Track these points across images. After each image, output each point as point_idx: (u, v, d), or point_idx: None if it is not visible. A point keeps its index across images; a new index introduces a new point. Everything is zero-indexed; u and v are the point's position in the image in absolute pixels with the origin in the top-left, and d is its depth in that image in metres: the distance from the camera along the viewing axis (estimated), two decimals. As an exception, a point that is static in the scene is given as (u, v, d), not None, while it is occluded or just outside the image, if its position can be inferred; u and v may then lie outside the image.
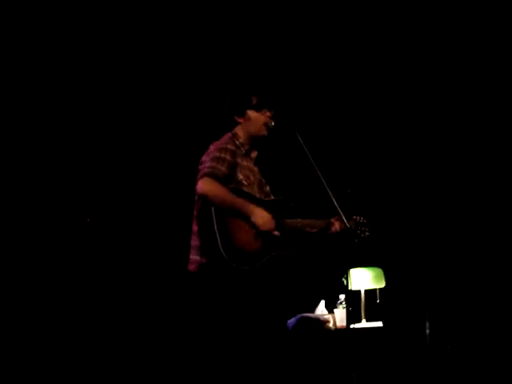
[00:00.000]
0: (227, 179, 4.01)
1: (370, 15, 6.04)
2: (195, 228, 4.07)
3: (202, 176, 3.94)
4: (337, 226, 4.31)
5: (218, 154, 4.02)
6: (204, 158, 4.09)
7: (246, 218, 3.97)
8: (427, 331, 5.55)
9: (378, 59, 6.17)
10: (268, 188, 4.34)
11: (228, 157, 4.03)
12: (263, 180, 4.33)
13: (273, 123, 4.22)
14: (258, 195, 4.16)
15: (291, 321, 5.28)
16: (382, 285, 5.61)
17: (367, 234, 4.40)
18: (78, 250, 5.62)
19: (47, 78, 5.62)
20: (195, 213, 4.07)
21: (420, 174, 6.13)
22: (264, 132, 4.22)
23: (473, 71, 6.02)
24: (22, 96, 5.56)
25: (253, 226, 3.98)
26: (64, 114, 5.69)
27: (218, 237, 3.84)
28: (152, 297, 5.67)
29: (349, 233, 4.07)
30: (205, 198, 3.90)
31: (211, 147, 4.12)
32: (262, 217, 3.99)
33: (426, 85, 6.13)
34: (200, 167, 4.04)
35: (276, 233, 4.08)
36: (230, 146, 4.09)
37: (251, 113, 4.21)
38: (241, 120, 4.22)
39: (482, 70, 6.00)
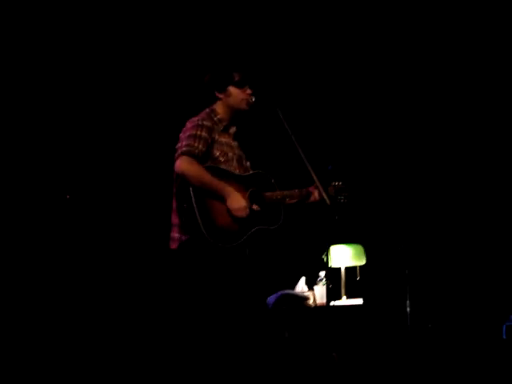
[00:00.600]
0: (204, 156, 3.98)
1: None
2: (174, 205, 4.05)
3: (179, 155, 3.93)
4: (316, 194, 4.30)
5: (194, 132, 4.00)
6: (181, 135, 4.07)
7: (222, 199, 3.95)
8: (408, 309, 5.56)
9: (359, 38, 6.15)
10: (248, 163, 4.31)
11: (204, 133, 4.00)
12: (243, 155, 4.29)
13: (253, 99, 4.19)
14: (236, 171, 4.13)
15: (271, 297, 5.28)
16: (363, 262, 5.61)
17: (346, 199, 4.40)
18: (58, 227, 5.58)
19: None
20: (174, 190, 4.05)
21: (401, 151, 6.13)
22: (244, 106, 4.19)
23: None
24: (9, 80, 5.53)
25: (227, 210, 3.96)
26: (46, 94, 5.65)
27: (197, 215, 3.83)
28: (134, 274, 5.65)
29: (328, 204, 4.05)
30: (183, 177, 3.89)
31: (188, 124, 4.08)
32: (236, 202, 3.96)
33: (408, 62, 6.12)
34: (177, 145, 4.02)
35: (255, 207, 4.07)
36: (206, 123, 4.06)
37: (232, 89, 4.18)
38: (221, 96, 4.19)
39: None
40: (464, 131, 6.04)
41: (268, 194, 4.15)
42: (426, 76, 6.11)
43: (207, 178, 3.92)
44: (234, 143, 4.25)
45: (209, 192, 3.91)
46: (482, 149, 6.01)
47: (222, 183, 3.97)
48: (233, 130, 4.25)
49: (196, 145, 3.95)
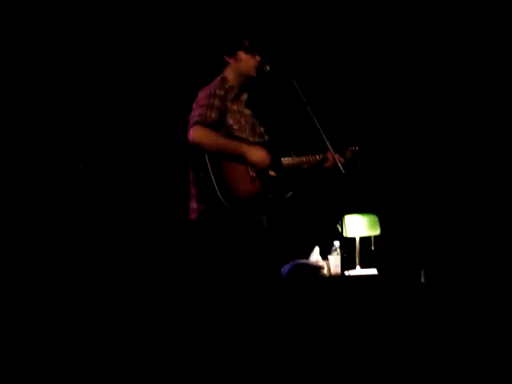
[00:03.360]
0: (217, 125, 4.00)
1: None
2: (192, 176, 4.08)
3: (193, 124, 3.95)
4: (332, 159, 4.27)
5: (206, 101, 4.01)
6: (194, 105, 4.08)
7: (242, 159, 3.98)
8: (422, 279, 5.56)
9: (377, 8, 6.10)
10: (262, 129, 4.33)
11: (217, 102, 4.01)
12: (256, 122, 4.31)
13: (268, 68, 4.18)
14: (250, 138, 4.15)
15: (285, 267, 5.29)
16: (377, 232, 5.60)
17: (365, 164, 4.39)
18: (72, 197, 5.59)
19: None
20: (190, 161, 4.08)
21: (417, 121, 6.09)
22: (253, 73, 4.19)
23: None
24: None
25: (251, 165, 4.00)
26: (57, 62, 5.63)
27: (214, 183, 3.86)
28: (152, 246, 5.65)
29: (343, 175, 4.04)
30: (198, 146, 3.91)
31: (200, 94, 4.10)
32: (257, 154, 4.02)
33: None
34: (190, 116, 4.03)
35: (272, 173, 4.09)
36: (218, 91, 4.06)
37: (242, 54, 4.17)
38: (231, 60, 4.18)
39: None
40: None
41: (284, 159, 4.17)
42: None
43: (222, 140, 3.95)
44: (247, 110, 4.26)
45: (225, 156, 3.94)
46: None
47: (238, 142, 4.01)
48: (244, 97, 4.26)
49: (208, 113, 3.96)
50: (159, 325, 5.28)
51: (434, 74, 6.06)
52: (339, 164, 4.02)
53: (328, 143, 3.99)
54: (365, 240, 5.59)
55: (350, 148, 4.41)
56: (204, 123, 3.92)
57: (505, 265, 5.69)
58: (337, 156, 4.07)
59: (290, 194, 4.14)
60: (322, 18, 6.06)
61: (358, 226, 5.56)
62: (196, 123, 3.92)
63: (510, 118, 5.91)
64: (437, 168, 6.02)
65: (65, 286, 5.36)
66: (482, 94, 5.98)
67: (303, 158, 4.26)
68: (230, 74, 4.18)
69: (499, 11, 5.83)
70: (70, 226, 5.53)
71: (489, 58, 5.94)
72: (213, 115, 3.96)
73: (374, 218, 5.63)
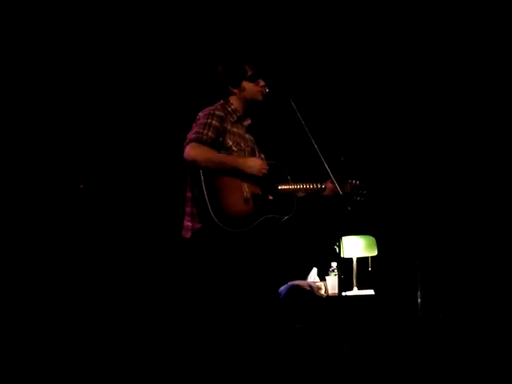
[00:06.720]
0: (214, 144, 4.00)
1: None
2: (188, 195, 4.08)
3: (188, 142, 3.96)
4: (330, 189, 4.31)
5: (204, 120, 4.02)
6: (193, 125, 4.09)
7: (237, 178, 3.98)
8: (418, 300, 5.59)
9: (372, 28, 6.14)
10: (263, 156, 4.32)
11: (215, 122, 4.02)
12: (257, 148, 4.31)
13: (267, 90, 4.20)
14: None
15: (283, 288, 5.30)
16: (374, 253, 5.64)
17: (363, 197, 4.41)
18: (72, 217, 5.61)
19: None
20: (188, 180, 4.08)
21: (414, 143, 6.13)
22: (259, 97, 4.20)
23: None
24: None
25: (250, 177, 4.00)
26: (57, 78, 5.67)
27: (207, 200, 3.84)
28: (147, 264, 5.67)
29: (342, 198, 4.05)
30: (193, 163, 3.91)
31: (200, 114, 4.11)
32: (254, 165, 4.03)
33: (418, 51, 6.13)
34: (188, 134, 4.05)
35: (270, 197, 4.10)
36: (218, 112, 4.08)
37: (246, 84, 4.19)
38: (235, 91, 4.20)
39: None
40: (470, 125, 6.05)
41: (281, 185, 4.18)
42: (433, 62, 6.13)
43: (217, 156, 3.96)
44: (248, 136, 4.26)
45: (220, 174, 3.93)
46: (489, 142, 6.02)
47: (233, 156, 4.02)
48: (247, 122, 4.27)
49: (205, 132, 3.97)
50: (152, 345, 5.30)
51: (430, 101, 6.12)
52: (337, 186, 4.03)
53: (327, 166, 3.99)
54: (362, 261, 5.62)
55: (349, 181, 4.40)
56: (200, 141, 3.93)
57: (502, 283, 5.73)
58: (334, 180, 4.07)
59: (286, 218, 4.14)
60: (320, 40, 6.12)
61: (356, 247, 5.60)
62: (192, 140, 3.94)
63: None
64: (432, 189, 6.06)
65: (61, 305, 5.40)
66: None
67: (301, 185, 4.26)
68: (234, 99, 4.21)
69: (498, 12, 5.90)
70: (70, 243, 5.56)
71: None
72: (209, 133, 3.97)
73: (371, 240, 5.67)
